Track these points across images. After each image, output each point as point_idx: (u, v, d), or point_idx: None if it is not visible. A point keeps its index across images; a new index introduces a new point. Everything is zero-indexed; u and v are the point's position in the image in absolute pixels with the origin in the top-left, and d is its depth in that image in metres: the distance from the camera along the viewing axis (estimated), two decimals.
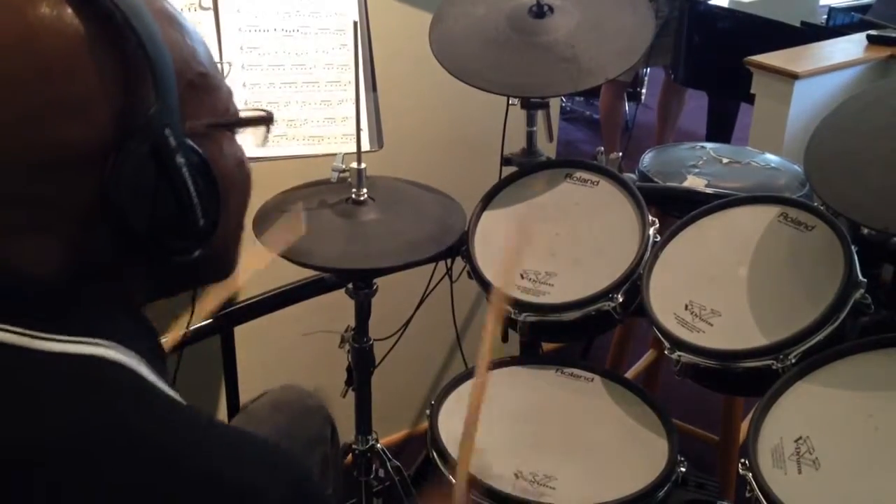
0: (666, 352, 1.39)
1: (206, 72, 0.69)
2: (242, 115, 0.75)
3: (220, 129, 0.71)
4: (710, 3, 3.53)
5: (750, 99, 2.61)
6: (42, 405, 0.57)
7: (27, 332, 0.59)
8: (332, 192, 1.60)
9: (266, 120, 0.78)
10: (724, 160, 1.92)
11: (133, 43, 0.61)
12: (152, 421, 0.59)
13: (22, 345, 0.59)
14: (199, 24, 1.45)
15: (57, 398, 0.57)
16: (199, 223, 0.66)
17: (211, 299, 1.30)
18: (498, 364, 1.56)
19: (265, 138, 0.81)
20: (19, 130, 0.59)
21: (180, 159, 0.63)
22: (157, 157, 0.62)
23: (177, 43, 0.66)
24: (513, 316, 1.49)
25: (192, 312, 0.97)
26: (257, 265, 1.28)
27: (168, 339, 1.22)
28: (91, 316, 0.63)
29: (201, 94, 0.68)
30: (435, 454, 1.36)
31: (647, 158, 1.97)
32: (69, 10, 0.60)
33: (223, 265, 0.79)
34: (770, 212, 1.47)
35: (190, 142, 0.65)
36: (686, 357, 1.35)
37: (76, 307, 0.63)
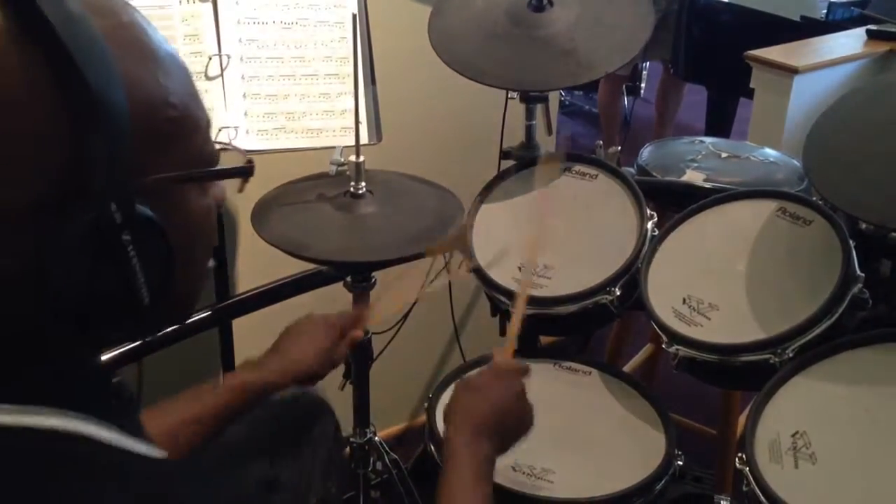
0: (664, 346, 1.39)
1: (176, 115, 0.59)
2: (221, 160, 0.66)
3: (186, 183, 0.62)
4: None
5: (749, 93, 2.61)
6: None
7: None
8: (330, 186, 1.60)
9: (243, 172, 0.69)
10: (723, 154, 1.92)
11: (81, 88, 0.52)
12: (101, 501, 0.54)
13: None
14: (196, 16, 1.45)
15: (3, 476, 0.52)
16: (144, 302, 0.58)
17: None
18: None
19: (241, 187, 0.71)
20: None
21: (126, 237, 0.55)
22: (100, 232, 0.54)
23: (144, 85, 0.57)
24: (511, 309, 1.49)
25: (140, 380, 0.93)
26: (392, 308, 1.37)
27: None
28: (31, 381, 0.57)
29: (166, 142, 0.59)
30: (433, 447, 1.36)
31: (645, 152, 1.97)
32: (8, 55, 0.51)
33: (181, 312, 0.70)
34: (768, 206, 1.47)
35: (145, 210, 0.56)
36: (684, 351, 1.35)
37: (14, 373, 0.57)
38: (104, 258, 0.55)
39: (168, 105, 0.58)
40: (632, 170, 1.87)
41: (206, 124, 0.64)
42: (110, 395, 0.65)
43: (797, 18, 3.18)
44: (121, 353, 1.36)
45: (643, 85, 4.66)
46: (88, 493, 0.53)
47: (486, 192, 1.66)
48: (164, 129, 0.58)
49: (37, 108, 0.52)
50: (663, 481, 1.29)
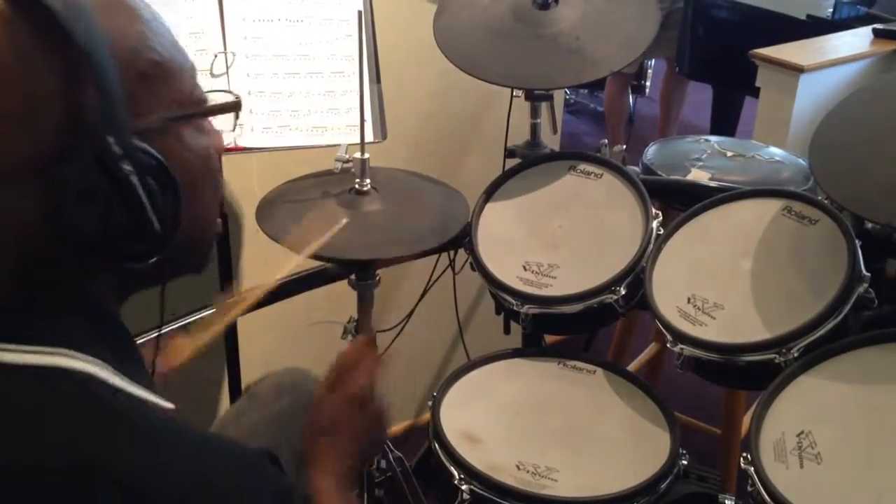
0: (668, 345, 1.39)
1: (160, 59, 0.64)
2: (209, 102, 0.71)
3: (180, 122, 0.67)
4: None
5: (755, 92, 2.60)
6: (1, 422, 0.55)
7: None
8: (334, 183, 1.60)
9: (231, 107, 0.73)
10: (729, 153, 1.92)
11: (69, 45, 0.57)
12: (107, 440, 0.57)
13: None
14: (201, 13, 1.45)
15: (14, 415, 0.56)
16: (156, 228, 0.63)
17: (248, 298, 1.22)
18: (500, 356, 1.56)
19: (234, 124, 0.77)
20: None
21: (127, 167, 0.60)
22: (102, 166, 0.59)
23: (122, 31, 0.62)
24: (515, 308, 1.49)
25: (162, 311, 0.94)
26: (289, 267, 1.26)
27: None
28: (50, 324, 0.61)
29: (155, 84, 0.64)
30: (437, 445, 1.36)
31: (650, 151, 1.96)
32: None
33: (195, 257, 0.76)
34: (774, 205, 1.47)
35: (141, 143, 0.61)
36: (688, 350, 1.35)
37: (34, 315, 0.61)
38: (110, 189, 0.60)
39: (150, 49, 0.64)
40: (637, 168, 1.87)
41: (191, 68, 0.69)
42: (125, 345, 0.68)
43: (803, 17, 3.17)
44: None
45: (648, 83, 4.65)
46: (89, 432, 0.57)
47: (491, 191, 1.66)
48: (149, 71, 0.63)
49: (27, 70, 0.57)
50: (667, 481, 1.28)
